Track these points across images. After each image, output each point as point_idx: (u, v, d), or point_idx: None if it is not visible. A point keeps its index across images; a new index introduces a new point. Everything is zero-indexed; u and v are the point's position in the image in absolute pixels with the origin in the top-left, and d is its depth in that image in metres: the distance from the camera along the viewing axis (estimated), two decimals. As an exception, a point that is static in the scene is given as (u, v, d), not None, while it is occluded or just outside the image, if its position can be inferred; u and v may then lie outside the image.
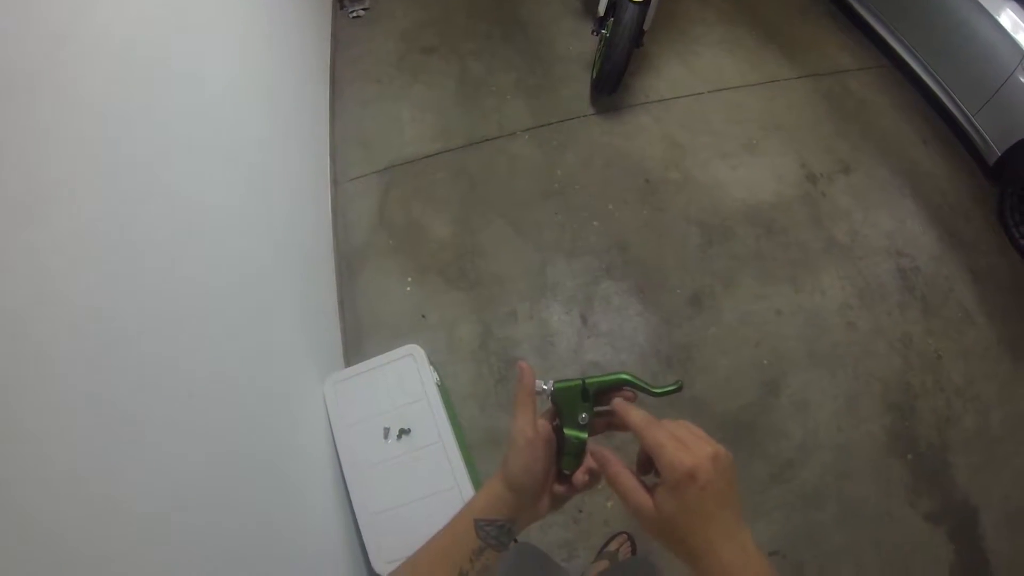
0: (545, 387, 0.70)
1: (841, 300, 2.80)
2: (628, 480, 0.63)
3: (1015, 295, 2.95)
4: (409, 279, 2.70)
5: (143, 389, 1.04)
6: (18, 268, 0.81)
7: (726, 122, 3.38)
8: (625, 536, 2.23)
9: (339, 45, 3.61)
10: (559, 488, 0.70)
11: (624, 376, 0.69)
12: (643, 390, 0.69)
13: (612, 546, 2.21)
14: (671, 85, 3.54)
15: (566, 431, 0.69)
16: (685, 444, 0.59)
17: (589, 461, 0.69)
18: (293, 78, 2.66)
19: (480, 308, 2.66)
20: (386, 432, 1.99)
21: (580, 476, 0.69)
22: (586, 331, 2.65)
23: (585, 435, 0.68)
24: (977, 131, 3.23)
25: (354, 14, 3.80)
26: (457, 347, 2.56)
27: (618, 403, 0.67)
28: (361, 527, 1.87)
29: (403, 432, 1.99)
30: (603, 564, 2.11)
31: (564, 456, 0.69)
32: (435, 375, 2.17)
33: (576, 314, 2.68)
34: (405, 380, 2.07)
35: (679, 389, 0.68)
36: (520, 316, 2.65)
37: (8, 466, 0.72)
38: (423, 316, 2.61)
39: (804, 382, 2.59)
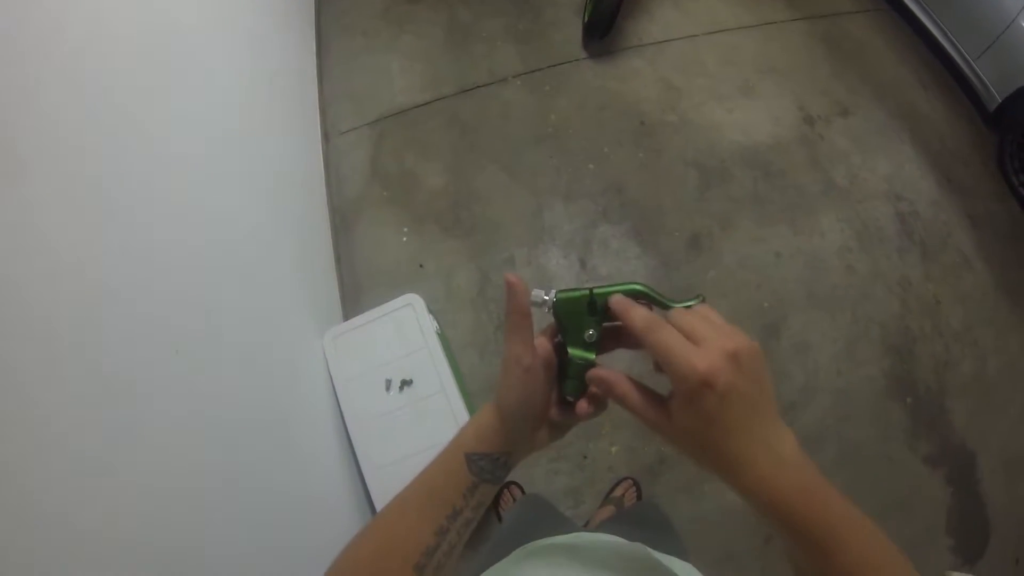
0: (546, 297, 0.59)
1: (840, 243, 2.73)
2: (638, 399, 0.54)
3: (1013, 242, 2.90)
4: (405, 229, 2.59)
5: (138, 348, 0.99)
6: (8, 225, 0.77)
7: (721, 64, 3.25)
8: (630, 481, 2.20)
9: (323, 0, 3.44)
10: (560, 416, 0.61)
11: (637, 286, 0.57)
12: (659, 303, 0.57)
13: (617, 492, 2.18)
14: (664, 28, 3.38)
15: (570, 351, 0.58)
16: (698, 342, 0.48)
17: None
18: (278, 35, 2.54)
19: (477, 255, 2.56)
20: (388, 384, 1.93)
21: (584, 405, 0.59)
22: (585, 275, 2.57)
23: (593, 355, 0.58)
24: (977, 77, 3.13)
25: None
26: (455, 295, 2.47)
27: (616, 300, 0.56)
28: (366, 480, 1.82)
29: (405, 383, 1.93)
30: (609, 510, 2.09)
31: (567, 380, 0.59)
32: (435, 324, 2.10)
33: (574, 258, 2.61)
34: (405, 330, 2.00)
35: (702, 301, 0.57)
36: (518, 261, 2.57)
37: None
38: (420, 266, 2.51)
39: (804, 324, 2.54)
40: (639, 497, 2.19)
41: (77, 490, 0.77)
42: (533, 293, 0.59)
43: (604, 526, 1.09)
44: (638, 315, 0.53)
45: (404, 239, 2.57)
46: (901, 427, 2.43)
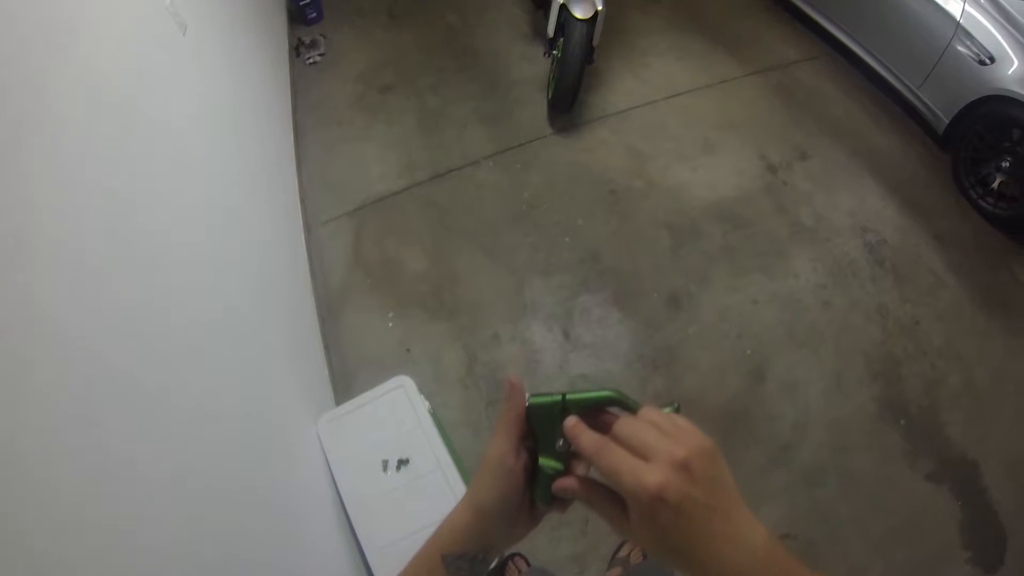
0: None
1: (814, 281, 2.93)
2: (602, 505, 0.56)
3: (980, 253, 3.11)
4: (390, 314, 2.79)
5: (140, 427, 1.08)
6: (11, 300, 0.85)
7: (683, 126, 3.55)
8: (635, 540, 2.25)
9: (299, 92, 3.75)
10: (533, 516, 0.64)
11: (609, 393, 0.58)
12: (631, 409, 0.58)
13: (623, 552, 2.25)
14: (625, 97, 3.70)
15: (540, 460, 0.59)
16: (646, 456, 0.50)
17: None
18: (258, 128, 2.78)
19: (463, 335, 2.75)
20: (385, 464, 2.05)
21: (557, 508, 0.62)
22: (569, 345, 2.74)
23: (561, 466, 0.59)
24: (924, 104, 3.42)
25: (310, 60, 3.95)
26: (444, 376, 2.64)
27: (569, 425, 0.57)
28: (369, 561, 1.91)
29: (402, 463, 2.05)
30: (616, 572, 2.14)
31: (537, 487, 0.60)
32: (427, 403, 2.23)
33: (558, 330, 2.78)
34: (398, 411, 2.14)
35: (676, 412, 0.57)
36: (503, 338, 2.74)
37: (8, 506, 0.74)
38: (408, 350, 2.69)
39: (789, 365, 2.70)
40: (645, 555, 2.25)
41: (77, 555, 0.82)
42: (525, 402, 0.60)
43: (613, 588, 1.13)
44: (587, 441, 0.55)
45: (390, 324, 2.77)
46: (899, 449, 2.54)
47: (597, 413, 0.59)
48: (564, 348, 2.73)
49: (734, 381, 2.65)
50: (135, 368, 1.13)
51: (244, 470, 1.51)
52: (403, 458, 2.05)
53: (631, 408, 0.58)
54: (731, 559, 0.49)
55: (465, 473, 2.14)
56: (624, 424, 0.54)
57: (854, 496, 2.43)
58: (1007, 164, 3.07)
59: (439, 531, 0.63)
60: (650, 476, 0.48)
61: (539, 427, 0.59)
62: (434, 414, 2.25)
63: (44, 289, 0.94)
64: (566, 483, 0.58)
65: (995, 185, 3.13)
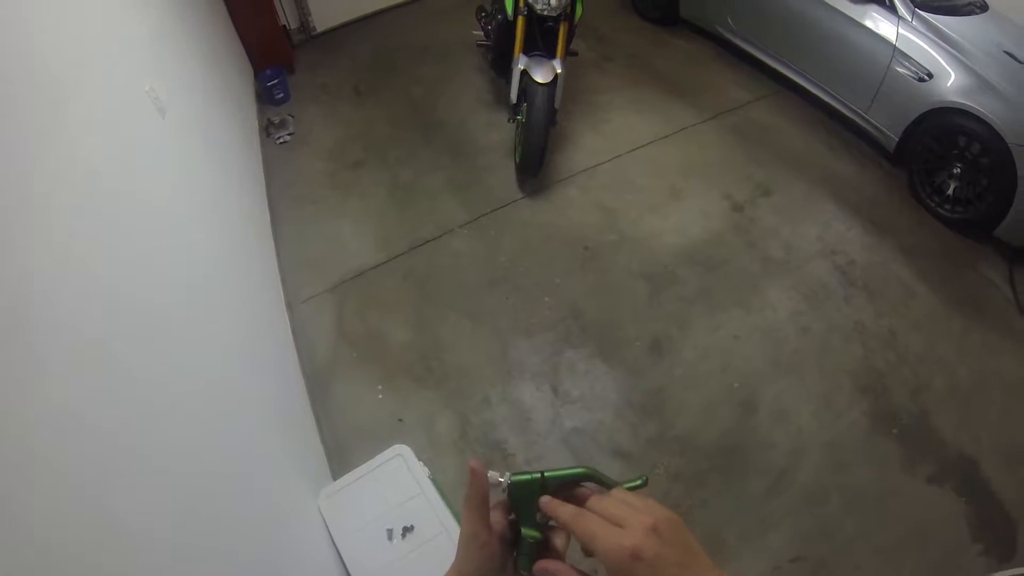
0: (501, 479, 0.68)
1: (791, 309, 3.15)
2: None
3: (945, 258, 3.39)
4: (379, 387, 2.95)
5: (145, 504, 1.13)
6: (11, 376, 0.90)
7: (648, 176, 3.84)
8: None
9: (271, 172, 4.01)
10: None
11: (583, 470, 0.67)
12: (604, 484, 0.67)
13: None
14: (590, 155, 4.00)
15: (523, 530, 0.67)
16: (620, 524, 0.57)
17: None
18: (235, 208, 2.95)
19: (453, 401, 2.90)
20: (389, 533, 2.16)
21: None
22: (559, 401, 2.90)
23: (540, 535, 0.67)
24: (873, 125, 3.77)
25: (281, 140, 4.23)
26: (439, 442, 2.78)
27: (544, 501, 0.65)
28: (383, 632, 2.01)
29: (406, 530, 2.17)
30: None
31: (520, 556, 0.67)
32: (426, 469, 2.36)
33: (546, 388, 2.94)
34: (398, 480, 2.28)
35: (644, 484, 0.67)
36: (493, 400, 2.90)
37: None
38: (400, 419, 2.84)
39: (777, 393, 2.87)
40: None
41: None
42: (489, 475, 0.67)
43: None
44: (564, 511, 0.62)
45: (379, 396, 2.93)
46: (896, 458, 2.69)
47: (572, 487, 0.67)
48: (554, 404, 2.89)
49: (725, 416, 2.82)
50: (137, 442, 1.20)
51: (246, 550, 1.58)
52: (408, 525, 2.17)
53: (604, 482, 0.67)
54: None
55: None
56: (597, 500, 0.62)
57: (858, 510, 2.55)
58: (958, 170, 3.39)
59: None
60: (627, 537, 0.55)
61: (520, 501, 0.67)
62: (434, 479, 2.38)
63: (43, 364, 1.00)
64: (547, 565, 0.65)
65: (950, 191, 3.45)
